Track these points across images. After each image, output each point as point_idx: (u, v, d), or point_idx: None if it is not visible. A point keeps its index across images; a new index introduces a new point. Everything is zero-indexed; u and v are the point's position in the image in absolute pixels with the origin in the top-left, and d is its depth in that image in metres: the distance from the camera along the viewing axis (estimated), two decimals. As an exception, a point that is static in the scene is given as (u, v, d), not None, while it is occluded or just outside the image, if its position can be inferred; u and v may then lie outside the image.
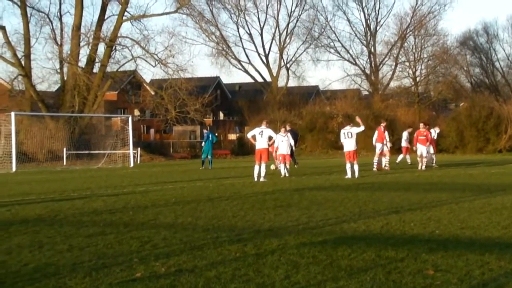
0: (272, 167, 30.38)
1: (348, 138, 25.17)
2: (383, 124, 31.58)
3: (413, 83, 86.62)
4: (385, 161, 30.83)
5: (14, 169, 37.50)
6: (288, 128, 28.77)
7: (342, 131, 25.68)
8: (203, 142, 38.76)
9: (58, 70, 58.78)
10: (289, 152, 27.33)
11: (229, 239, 9.79)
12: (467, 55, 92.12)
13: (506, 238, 9.72)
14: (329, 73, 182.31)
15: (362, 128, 25.69)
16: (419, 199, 15.67)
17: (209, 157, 37.48)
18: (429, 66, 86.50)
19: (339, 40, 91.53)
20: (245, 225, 11.36)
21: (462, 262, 7.80)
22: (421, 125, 32.04)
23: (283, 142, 26.78)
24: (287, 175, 26.28)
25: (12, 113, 39.91)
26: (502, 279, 7.01)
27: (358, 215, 12.63)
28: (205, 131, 41.70)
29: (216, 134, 42.76)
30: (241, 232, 10.53)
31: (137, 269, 7.71)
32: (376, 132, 30.84)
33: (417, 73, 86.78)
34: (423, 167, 29.81)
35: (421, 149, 30.36)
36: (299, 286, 6.81)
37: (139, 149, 52.70)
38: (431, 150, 32.14)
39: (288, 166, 26.95)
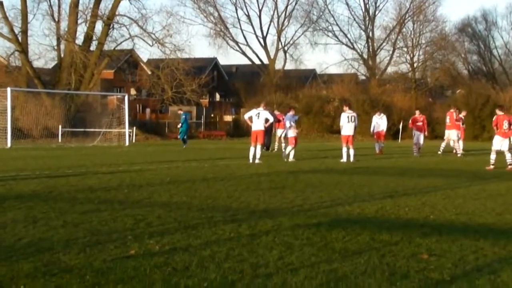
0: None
1: (351, 122, 25.12)
2: (454, 110, 31.34)
3: (410, 69, 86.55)
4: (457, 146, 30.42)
5: (9, 145, 37.48)
6: (292, 113, 27.59)
7: (346, 114, 25.41)
8: (180, 124, 40.44)
9: (55, 47, 58.73)
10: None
11: (224, 219, 9.78)
12: (465, 42, 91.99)
13: (500, 225, 9.74)
14: (326, 57, 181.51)
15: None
16: (414, 184, 15.70)
17: (185, 137, 39.36)
18: (427, 52, 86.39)
19: (337, 24, 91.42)
20: (239, 206, 11.35)
21: (456, 247, 7.81)
22: (417, 111, 32.02)
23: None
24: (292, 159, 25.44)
25: (8, 89, 39.81)
26: (496, 264, 7.01)
27: (353, 198, 12.64)
28: (180, 112, 42.24)
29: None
30: (236, 212, 10.53)
31: (131, 246, 7.70)
32: (448, 118, 30.54)
33: (415, 59, 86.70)
34: (416, 153, 29.78)
35: (417, 135, 30.30)
36: (293, 267, 6.81)
37: (134, 128, 52.62)
38: (455, 137, 30.26)
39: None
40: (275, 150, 33.40)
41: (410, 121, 31.48)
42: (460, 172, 20.51)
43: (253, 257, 7.23)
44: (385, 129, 32.39)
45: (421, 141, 30.36)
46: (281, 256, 7.28)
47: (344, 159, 24.71)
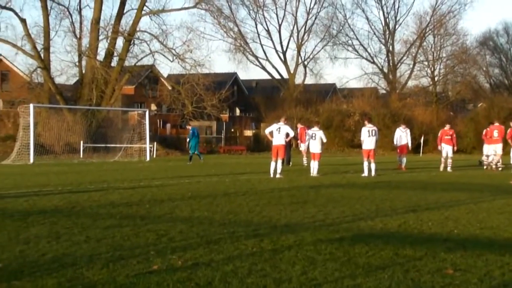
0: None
1: (372, 136, 25.09)
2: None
3: (431, 83, 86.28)
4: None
5: (31, 160, 37.69)
6: (316, 127, 27.28)
7: (366, 128, 25.41)
8: (188, 139, 39.88)
9: (77, 63, 59.11)
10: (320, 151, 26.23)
11: (246, 234, 9.75)
12: (486, 55, 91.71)
13: (525, 239, 9.64)
14: (346, 71, 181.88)
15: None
16: (436, 198, 15.58)
17: (196, 152, 38.79)
18: (448, 66, 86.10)
19: (357, 38, 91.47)
20: (261, 221, 11.32)
21: (481, 262, 7.73)
22: (447, 125, 31.06)
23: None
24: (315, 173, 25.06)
25: (31, 105, 40.11)
26: (522, 280, 6.93)
27: (375, 213, 12.57)
28: (189, 127, 42.11)
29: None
30: (258, 227, 10.49)
31: (154, 261, 7.69)
32: (497, 131, 30.16)
33: (436, 72, 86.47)
34: (449, 168, 28.91)
35: (447, 149, 29.52)
36: (316, 282, 6.77)
37: (155, 143, 52.79)
38: (499, 151, 30.06)
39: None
40: (305, 164, 33.35)
41: (439, 135, 30.87)
42: (483, 186, 20.36)
43: (276, 272, 7.20)
44: (410, 143, 31.31)
45: (450, 154, 29.55)
46: (304, 271, 7.24)
47: (366, 173, 24.62)
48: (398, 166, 30.44)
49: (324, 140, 26.04)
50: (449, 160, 29.28)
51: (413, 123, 59.41)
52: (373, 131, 25.24)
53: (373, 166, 24.68)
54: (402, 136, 31.03)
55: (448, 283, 6.72)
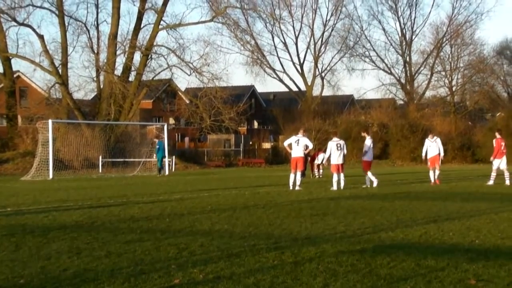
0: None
1: (340, 150, 24.37)
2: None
3: (449, 93, 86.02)
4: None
5: (51, 176, 37.86)
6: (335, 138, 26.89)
7: (334, 142, 24.56)
8: (156, 152, 41.67)
9: (95, 79, 59.37)
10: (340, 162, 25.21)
11: (267, 246, 9.73)
12: (504, 64, 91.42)
13: (548, 249, 9.55)
14: (364, 82, 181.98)
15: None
16: (457, 208, 15.50)
17: (158, 165, 40.80)
18: (465, 76, 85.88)
19: (374, 49, 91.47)
20: (282, 233, 11.30)
21: (504, 272, 7.67)
22: (498, 133, 27.83)
23: (338, 151, 24.60)
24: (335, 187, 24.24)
25: (50, 121, 40.32)
26: (546, 289, 6.87)
27: (395, 224, 12.51)
28: (156, 140, 42.97)
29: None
30: (278, 240, 10.48)
31: (175, 275, 7.69)
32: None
33: (453, 82, 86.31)
34: (507, 181, 26.14)
35: (504, 161, 26.55)
36: (339, 294, 6.74)
37: (173, 157, 52.89)
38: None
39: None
40: (317, 176, 33.41)
41: (496, 145, 27.49)
42: (503, 196, 20.23)
43: (297, 284, 7.18)
44: (442, 153, 27.95)
45: (504, 165, 26.49)
46: (325, 283, 7.22)
47: (335, 187, 23.76)
48: (432, 183, 26.96)
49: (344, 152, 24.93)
50: (507, 173, 26.36)
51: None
52: (340, 145, 24.48)
53: (342, 178, 24.09)
54: (433, 146, 27.76)
55: (471, 294, 6.67)
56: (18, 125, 60.95)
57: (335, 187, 23.85)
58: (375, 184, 24.93)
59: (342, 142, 24.85)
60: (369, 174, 25.33)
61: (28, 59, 56.93)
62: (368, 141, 26.02)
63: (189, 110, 61.21)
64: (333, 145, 24.62)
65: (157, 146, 41.21)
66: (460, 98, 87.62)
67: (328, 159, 25.45)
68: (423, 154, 28.29)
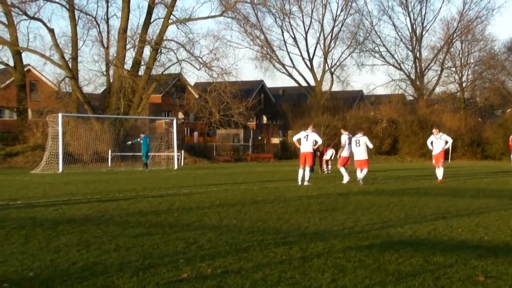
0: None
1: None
2: None
3: (459, 89, 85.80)
4: None
5: (60, 169, 37.97)
6: (346, 133, 26.70)
7: (353, 138, 24.89)
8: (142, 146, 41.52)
9: (104, 73, 59.47)
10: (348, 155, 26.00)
11: (275, 241, 9.74)
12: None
13: (557, 246, 9.52)
14: (373, 78, 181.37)
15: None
16: (466, 205, 15.46)
17: (144, 160, 40.67)
18: (476, 72, 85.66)
19: (384, 45, 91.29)
20: (290, 228, 11.30)
21: (513, 269, 7.66)
22: None
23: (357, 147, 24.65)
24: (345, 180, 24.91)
25: (59, 115, 40.40)
26: (555, 287, 6.85)
27: (404, 220, 12.50)
28: (142, 135, 42.91)
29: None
30: (287, 235, 10.48)
31: (183, 269, 7.71)
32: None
33: (463, 78, 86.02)
34: None
35: None
36: (347, 290, 6.74)
37: (182, 151, 52.95)
38: None
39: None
40: (326, 172, 33.39)
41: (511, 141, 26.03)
42: (512, 192, 20.18)
43: (305, 280, 7.18)
44: (449, 145, 27.29)
45: None
46: (334, 278, 7.22)
47: (299, 182, 23.93)
48: (438, 181, 25.74)
49: (370, 146, 24.93)
50: None
51: (441, 130, 58.99)
52: (357, 141, 24.55)
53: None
54: (437, 143, 26.65)
55: (479, 291, 6.66)
56: (28, 119, 61.19)
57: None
58: (345, 181, 24.76)
59: (361, 137, 24.67)
60: (342, 169, 25.34)
61: (38, 53, 57.08)
62: (344, 137, 25.96)
63: (198, 105, 61.23)
64: (354, 140, 24.81)
65: (140, 141, 41.12)
66: (470, 94, 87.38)
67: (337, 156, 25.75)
68: (430, 147, 27.17)
